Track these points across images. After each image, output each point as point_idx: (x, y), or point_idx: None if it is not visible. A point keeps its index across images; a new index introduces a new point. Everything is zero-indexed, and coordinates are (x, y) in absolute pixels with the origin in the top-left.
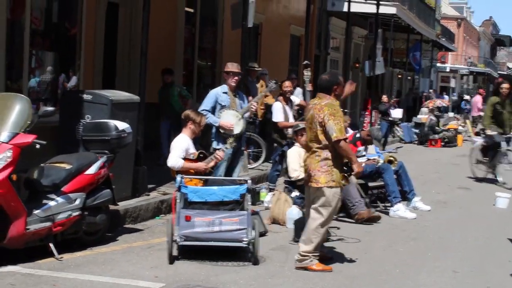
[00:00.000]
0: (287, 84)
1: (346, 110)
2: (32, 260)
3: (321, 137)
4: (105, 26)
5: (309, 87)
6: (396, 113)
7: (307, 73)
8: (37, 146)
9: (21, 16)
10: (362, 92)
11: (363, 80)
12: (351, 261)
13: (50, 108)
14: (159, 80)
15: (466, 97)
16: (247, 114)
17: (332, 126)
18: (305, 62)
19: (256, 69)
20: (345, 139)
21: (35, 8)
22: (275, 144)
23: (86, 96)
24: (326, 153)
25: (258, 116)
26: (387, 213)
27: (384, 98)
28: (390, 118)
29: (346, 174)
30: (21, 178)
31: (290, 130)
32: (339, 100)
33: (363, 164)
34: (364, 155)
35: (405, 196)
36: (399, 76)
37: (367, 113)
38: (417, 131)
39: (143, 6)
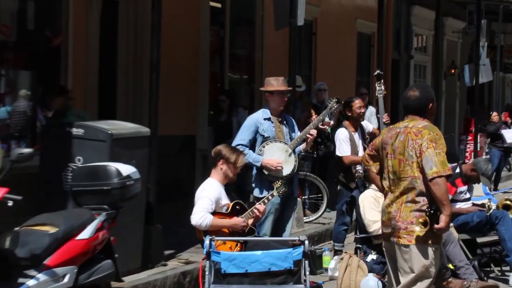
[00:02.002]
0: (358, 104)
1: None
2: None
3: (417, 172)
4: (101, 32)
5: (386, 118)
6: (510, 135)
7: (379, 88)
8: (9, 203)
9: None
10: (461, 109)
11: (462, 92)
12: None
13: (27, 150)
14: (178, 104)
15: None
16: (300, 147)
17: (431, 156)
18: (377, 72)
19: (297, 89)
20: (447, 176)
21: (2, 12)
22: (339, 187)
23: (76, 131)
24: (423, 198)
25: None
26: (505, 281)
27: (494, 116)
28: (505, 144)
29: (422, 223)
30: None
31: (360, 168)
32: (431, 120)
33: (460, 207)
34: (468, 199)
35: None
36: None
37: (469, 137)
38: None
39: (152, 2)
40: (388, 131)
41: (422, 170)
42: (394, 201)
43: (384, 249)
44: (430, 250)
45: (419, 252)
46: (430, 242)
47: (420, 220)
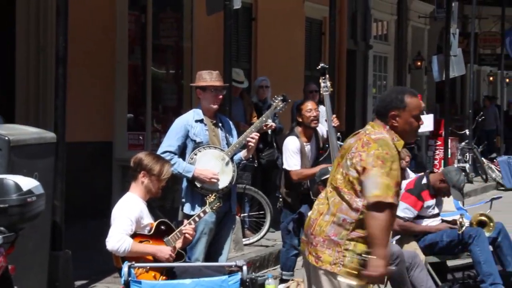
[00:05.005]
0: (309, 106)
1: None
2: None
3: (347, 186)
4: None
5: (334, 121)
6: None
7: (324, 84)
8: None
9: None
10: (429, 108)
11: (430, 88)
12: None
13: None
14: (90, 104)
15: None
16: (240, 155)
17: (375, 177)
18: (321, 65)
19: (238, 85)
20: (391, 207)
21: None
22: (279, 204)
23: None
24: (345, 216)
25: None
26: None
27: None
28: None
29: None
30: None
31: (307, 183)
32: (406, 137)
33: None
34: (436, 214)
35: (510, 280)
36: (491, 78)
37: (438, 142)
38: None
39: None
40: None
41: (355, 189)
42: (318, 207)
43: (304, 265)
44: (335, 280)
45: (322, 278)
46: (335, 271)
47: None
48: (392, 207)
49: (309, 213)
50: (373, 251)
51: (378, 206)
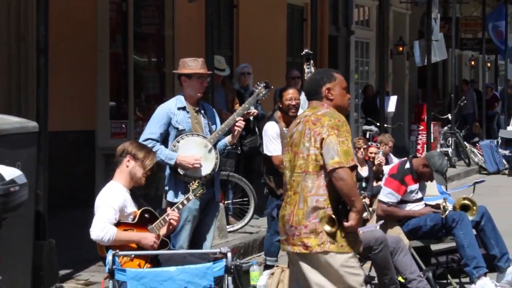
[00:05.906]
0: (290, 94)
1: (386, 125)
2: None
3: (312, 167)
4: None
5: None
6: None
7: (308, 70)
8: None
9: None
10: (411, 93)
11: (412, 73)
12: None
13: None
14: (72, 93)
15: None
16: (225, 140)
17: (333, 145)
18: (305, 51)
19: (219, 73)
20: (352, 168)
21: None
22: (266, 190)
23: None
24: (317, 199)
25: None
26: None
27: None
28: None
29: (330, 223)
30: None
31: None
32: (342, 110)
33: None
34: (420, 199)
35: (494, 263)
36: (472, 62)
37: (421, 127)
38: (507, 152)
39: None
40: (293, 122)
41: (320, 165)
42: (288, 202)
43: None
44: (328, 258)
45: (316, 260)
46: (325, 250)
47: (326, 219)
48: (353, 168)
49: (280, 213)
50: (351, 206)
51: (340, 170)
